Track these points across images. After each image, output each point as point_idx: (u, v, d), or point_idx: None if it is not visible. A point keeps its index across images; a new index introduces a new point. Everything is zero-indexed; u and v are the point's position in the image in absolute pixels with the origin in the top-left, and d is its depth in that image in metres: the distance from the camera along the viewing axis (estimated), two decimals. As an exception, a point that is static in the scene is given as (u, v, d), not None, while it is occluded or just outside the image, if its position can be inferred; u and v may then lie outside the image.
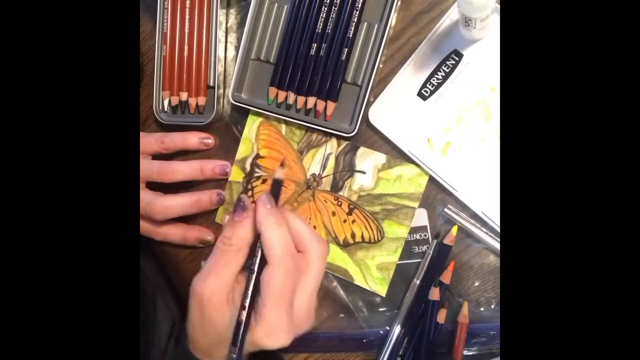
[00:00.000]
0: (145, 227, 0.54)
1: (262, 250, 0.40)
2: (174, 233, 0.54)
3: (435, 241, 0.50)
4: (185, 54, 0.53)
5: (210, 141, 0.54)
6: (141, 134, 0.54)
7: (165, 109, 0.55)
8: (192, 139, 0.54)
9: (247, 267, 0.41)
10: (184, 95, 0.54)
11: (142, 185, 0.53)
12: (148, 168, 0.52)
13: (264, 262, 0.40)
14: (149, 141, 0.53)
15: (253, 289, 0.40)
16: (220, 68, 0.53)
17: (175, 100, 0.54)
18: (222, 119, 0.55)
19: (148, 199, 0.51)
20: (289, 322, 0.40)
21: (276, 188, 0.43)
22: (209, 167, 0.53)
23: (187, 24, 0.53)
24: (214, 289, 0.40)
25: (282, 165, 0.44)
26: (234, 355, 0.40)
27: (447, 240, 0.49)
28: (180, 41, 0.53)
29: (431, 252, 0.50)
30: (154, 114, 0.55)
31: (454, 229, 0.49)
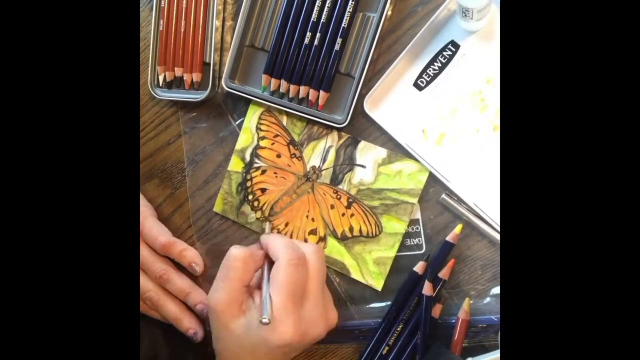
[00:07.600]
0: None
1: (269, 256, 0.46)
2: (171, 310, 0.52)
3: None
4: (182, 29, 0.53)
5: (197, 268, 0.52)
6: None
7: (161, 84, 0.54)
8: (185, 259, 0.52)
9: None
10: (179, 71, 0.54)
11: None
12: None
13: (272, 262, 0.45)
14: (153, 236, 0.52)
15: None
16: (216, 57, 0.53)
17: (170, 76, 0.54)
18: (217, 107, 0.54)
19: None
20: (296, 316, 0.42)
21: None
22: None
23: (184, -1, 0.53)
24: (226, 301, 0.43)
25: (268, 221, 0.52)
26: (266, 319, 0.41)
27: (450, 238, 0.48)
28: (177, 16, 0.53)
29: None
30: (149, 89, 0.54)
31: (458, 228, 0.48)
